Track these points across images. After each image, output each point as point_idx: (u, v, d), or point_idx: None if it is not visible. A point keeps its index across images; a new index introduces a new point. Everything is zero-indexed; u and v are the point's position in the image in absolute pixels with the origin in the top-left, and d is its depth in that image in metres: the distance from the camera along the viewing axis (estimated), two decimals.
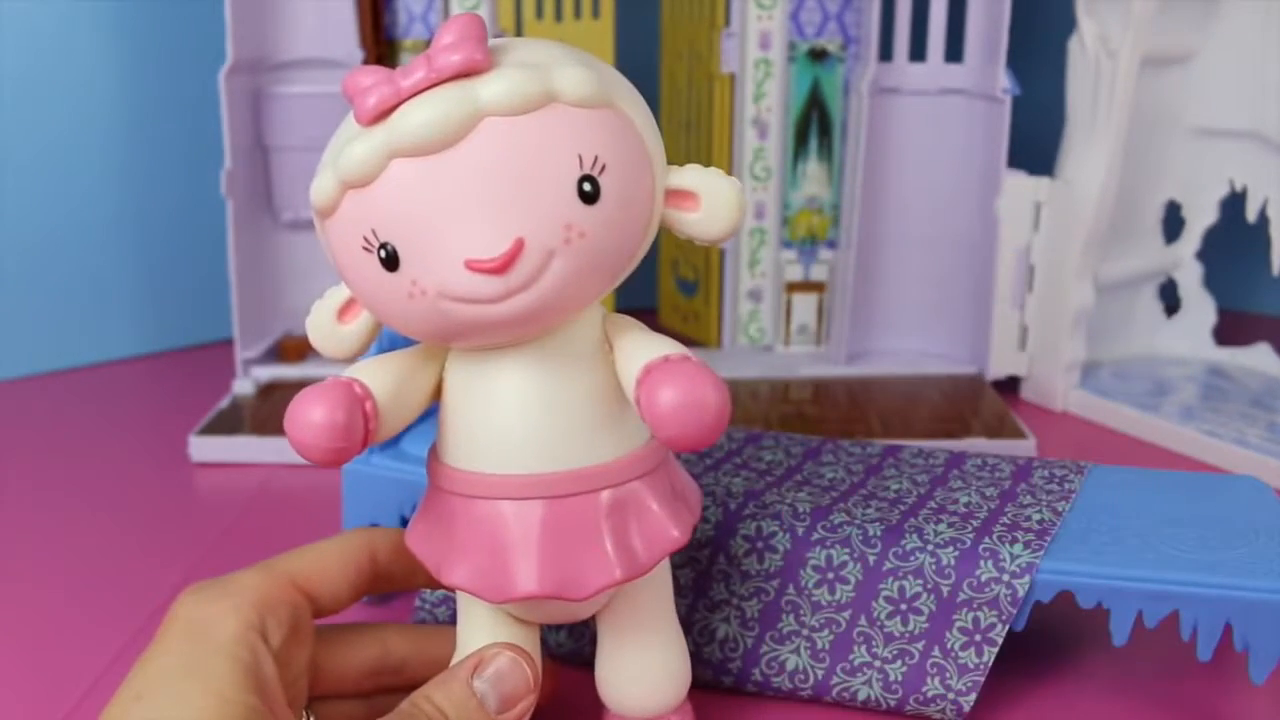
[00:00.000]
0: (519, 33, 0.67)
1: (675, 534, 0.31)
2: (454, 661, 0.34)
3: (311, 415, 0.29)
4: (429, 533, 0.32)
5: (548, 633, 0.41)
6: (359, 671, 0.35)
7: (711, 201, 0.30)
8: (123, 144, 0.72)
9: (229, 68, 0.62)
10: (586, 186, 0.27)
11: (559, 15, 0.66)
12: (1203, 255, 0.69)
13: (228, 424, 0.60)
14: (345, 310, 0.31)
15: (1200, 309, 0.70)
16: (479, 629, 0.33)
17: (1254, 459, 0.56)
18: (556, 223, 0.27)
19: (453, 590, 0.33)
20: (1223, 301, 0.70)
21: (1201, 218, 0.68)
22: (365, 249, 0.28)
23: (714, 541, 0.39)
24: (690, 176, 0.30)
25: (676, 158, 0.75)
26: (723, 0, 0.67)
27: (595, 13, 0.67)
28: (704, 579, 0.39)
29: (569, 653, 0.40)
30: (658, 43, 0.74)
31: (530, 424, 0.30)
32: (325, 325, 0.31)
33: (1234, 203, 0.67)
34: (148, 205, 0.73)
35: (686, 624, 0.39)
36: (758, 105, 0.68)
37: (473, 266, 0.27)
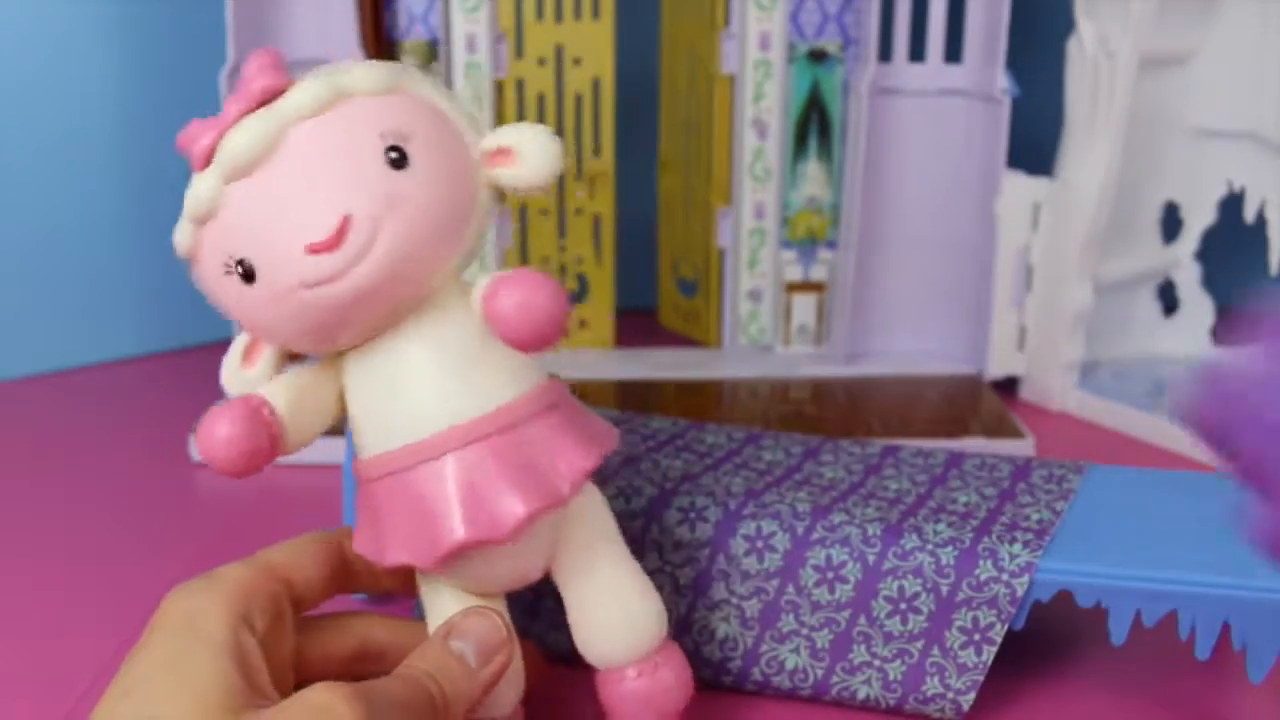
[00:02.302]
0: (519, 33, 0.67)
1: (583, 457, 0.33)
2: None
3: (215, 430, 0.32)
4: (363, 527, 0.34)
5: (546, 632, 0.41)
6: (341, 659, 0.35)
7: (526, 152, 0.32)
8: (123, 144, 0.72)
9: (229, 68, 0.62)
10: (394, 155, 0.31)
11: (559, 15, 0.67)
12: (1201, 255, 0.69)
13: None
14: (248, 354, 0.34)
15: (1199, 309, 0.70)
16: (444, 612, 0.34)
17: None
18: (376, 192, 0.30)
19: (397, 572, 0.35)
20: (1221, 302, 0.70)
21: (1200, 218, 0.68)
22: (227, 272, 0.31)
23: (714, 541, 0.39)
24: (503, 135, 0.33)
25: (676, 158, 0.75)
26: (723, 1, 0.67)
27: (595, 13, 0.67)
28: (704, 578, 0.40)
29: (568, 651, 0.41)
30: (658, 43, 0.74)
31: (425, 387, 0.32)
32: (232, 372, 0.34)
33: (1232, 203, 0.67)
34: (148, 205, 0.73)
35: (686, 623, 0.39)
36: (757, 106, 0.68)
37: (311, 249, 0.30)
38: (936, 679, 0.38)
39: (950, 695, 0.38)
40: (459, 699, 0.32)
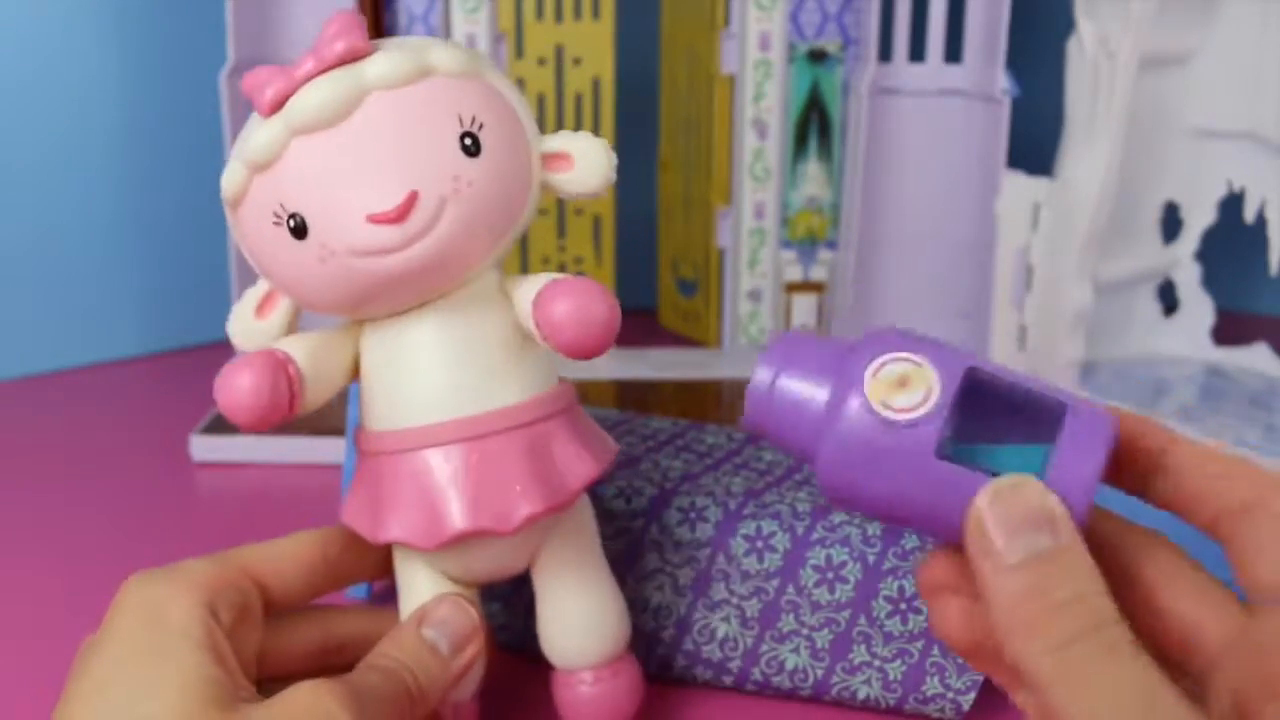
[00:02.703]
0: (519, 33, 0.67)
1: (592, 464, 0.33)
2: None
3: (237, 380, 0.31)
4: (359, 502, 0.34)
5: (527, 637, 0.41)
6: (303, 652, 0.35)
7: (582, 160, 0.33)
8: (123, 144, 0.72)
9: (229, 68, 0.62)
10: (468, 141, 0.31)
11: (559, 15, 0.67)
12: (1201, 255, 0.69)
13: (228, 424, 0.60)
14: (263, 305, 0.34)
15: (1198, 309, 0.70)
16: (418, 595, 0.34)
17: (1252, 459, 0.57)
18: (445, 174, 0.31)
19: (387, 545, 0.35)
20: (1221, 302, 0.70)
21: (1200, 218, 0.68)
22: (275, 223, 0.31)
23: (714, 541, 0.39)
24: (561, 140, 0.33)
25: (676, 158, 0.75)
26: (723, 1, 0.67)
27: (595, 13, 0.67)
28: (704, 578, 0.40)
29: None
30: (658, 43, 0.74)
31: (444, 373, 0.32)
32: (244, 321, 0.34)
33: (1232, 203, 0.67)
34: (148, 205, 0.73)
35: (686, 623, 0.40)
36: (757, 106, 0.68)
37: (373, 219, 0.30)
38: (937, 679, 0.38)
39: (950, 695, 0.38)
40: (433, 689, 0.32)
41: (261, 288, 0.34)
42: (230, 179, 0.32)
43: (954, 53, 0.66)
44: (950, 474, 0.25)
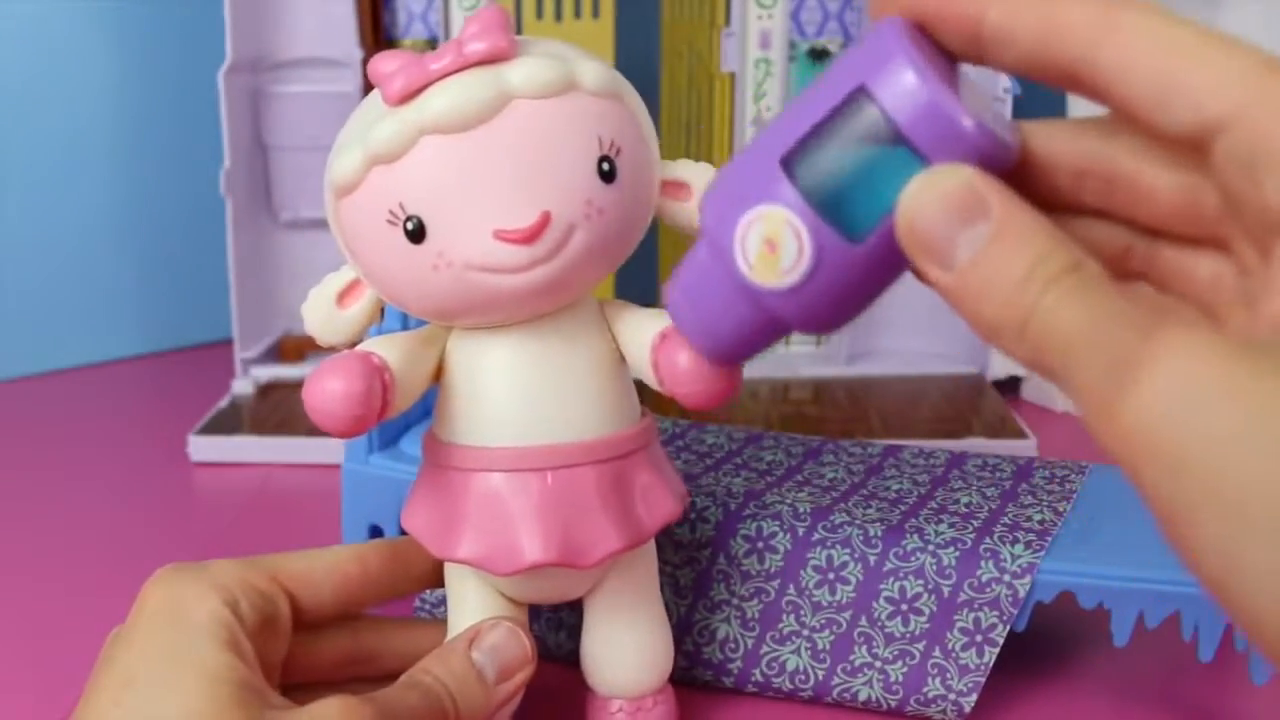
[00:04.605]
0: (518, 33, 0.67)
1: (673, 504, 0.33)
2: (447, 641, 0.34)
3: (332, 385, 0.29)
4: (428, 512, 0.32)
5: (547, 634, 0.41)
6: (330, 661, 0.34)
7: (702, 190, 0.31)
8: (122, 143, 0.72)
9: (228, 67, 0.62)
10: (605, 166, 0.29)
11: (559, 15, 0.66)
12: None
13: (227, 424, 0.60)
14: (346, 295, 0.32)
15: None
16: (470, 610, 0.34)
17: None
18: (579, 198, 0.29)
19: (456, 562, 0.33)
20: None
21: None
22: (390, 222, 0.29)
23: (714, 542, 0.39)
24: (683, 168, 0.32)
25: (676, 157, 0.75)
26: (723, 0, 0.67)
27: (595, 13, 0.66)
28: (704, 579, 0.39)
29: (568, 653, 0.40)
30: (658, 43, 0.73)
31: (534, 395, 0.31)
32: (324, 310, 0.32)
33: None
34: (147, 205, 0.73)
35: (686, 624, 0.39)
36: (758, 105, 0.68)
37: (502, 236, 0.29)
38: (938, 680, 0.38)
39: (952, 697, 0.38)
40: (472, 715, 0.31)
41: (345, 275, 0.32)
42: (347, 166, 0.29)
43: None
44: (882, 232, 0.23)
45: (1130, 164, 0.23)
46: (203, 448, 0.59)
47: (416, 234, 0.29)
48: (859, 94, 0.22)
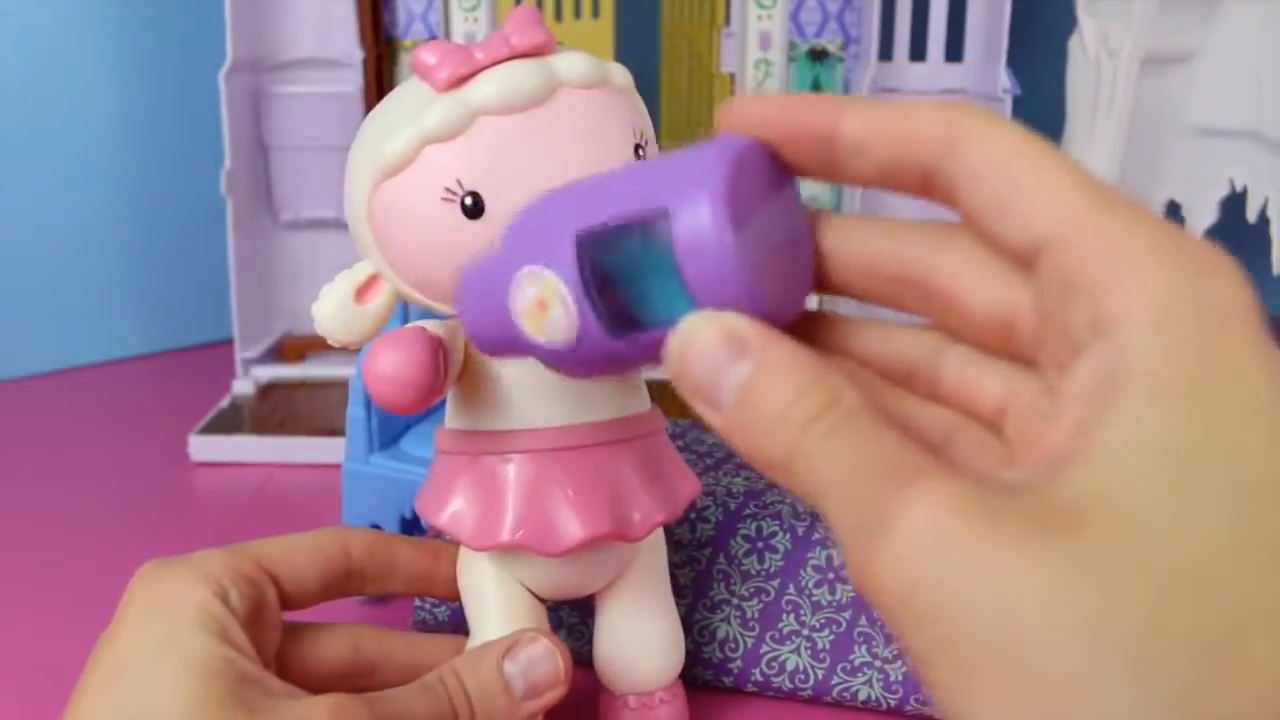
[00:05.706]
0: None
1: (695, 481, 0.34)
2: (471, 644, 0.34)
3: (400, 355, 0.29)
4: (459, 506, 0.32)
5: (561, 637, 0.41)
6: (328, 669, 0.34)
7: None
8: (122, 143, 0.72)
9: (229, 67, 0.62)
10: (640, 154, 0.31)
11: (559, 15, 0.66)
12: None
13: (227, 424, 0.60)
14: (364, 290, 0.32)
15: None
16: (492, 606, 0.33)
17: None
18: None
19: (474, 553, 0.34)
20: None
21: (1202, 217, 0.68)
22: (446, 199, 0.29)
23: (714, 541, 0.39)
24: None
25: None
26: (723, 0, 0.67)
27: (595, 13, 0.67)
28: (704, 579, 0.39)
29: (583, 658, 0.40)
30: (658, 43, 0.73)
31: (530, 383, 0.32)
32: (341, 306, 0.32)
33: (1234, 203, 0.67)
34: (147, 205, 0.73)
35: (686, 624, 0.39)
36: None
37: None
38: None
39: None
40: None
41: (362, 271, 0.32)
42: (398, 146, 0.30)
43: (955, 52, 0.66)
44: (644, 341, 0.23)
45: (948, 277, 0.23)
46: (203, 448, 0.59)
47: (475, 210, 0.29)
48: (662, 212, 0.22)
